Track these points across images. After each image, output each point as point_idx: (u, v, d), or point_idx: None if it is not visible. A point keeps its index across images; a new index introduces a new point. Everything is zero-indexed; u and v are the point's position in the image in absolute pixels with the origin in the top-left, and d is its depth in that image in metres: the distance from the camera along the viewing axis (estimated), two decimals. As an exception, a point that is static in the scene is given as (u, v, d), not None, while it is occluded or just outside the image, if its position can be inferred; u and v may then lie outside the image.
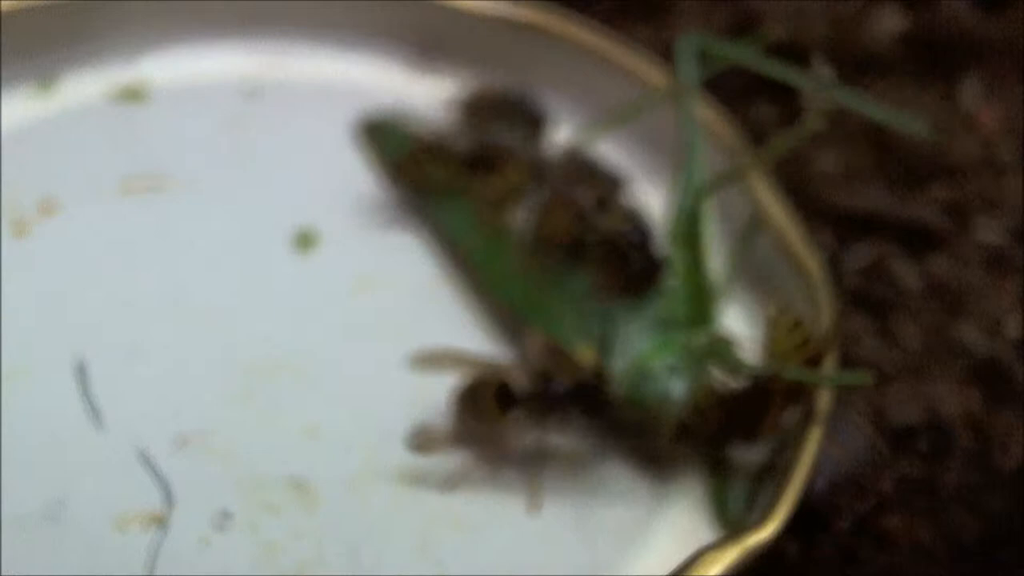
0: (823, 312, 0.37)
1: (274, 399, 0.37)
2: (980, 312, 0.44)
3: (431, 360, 0.37)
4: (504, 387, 0.35)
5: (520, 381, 0.35)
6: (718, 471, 0.36)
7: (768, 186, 0.41)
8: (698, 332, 0.37)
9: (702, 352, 0.36)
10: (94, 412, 0.36)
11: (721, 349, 0.36)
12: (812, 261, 0.38)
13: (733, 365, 0.35)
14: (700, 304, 0.37)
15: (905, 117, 0.38)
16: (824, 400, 0.35)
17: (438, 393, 0.38)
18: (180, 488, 0.35)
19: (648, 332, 0.37)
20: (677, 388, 0.35)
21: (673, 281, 0.38)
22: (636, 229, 0.39)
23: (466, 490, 0.36)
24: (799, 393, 0.34)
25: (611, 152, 0.44)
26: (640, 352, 0.36)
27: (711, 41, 0.39)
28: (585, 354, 0.36)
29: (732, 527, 0.35)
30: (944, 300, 0.44)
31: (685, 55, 0.38)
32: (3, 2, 0.44)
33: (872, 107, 0.38)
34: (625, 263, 0.38)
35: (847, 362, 0.42)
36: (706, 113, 0.42)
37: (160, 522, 0.34)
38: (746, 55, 0.40)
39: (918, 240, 0.46)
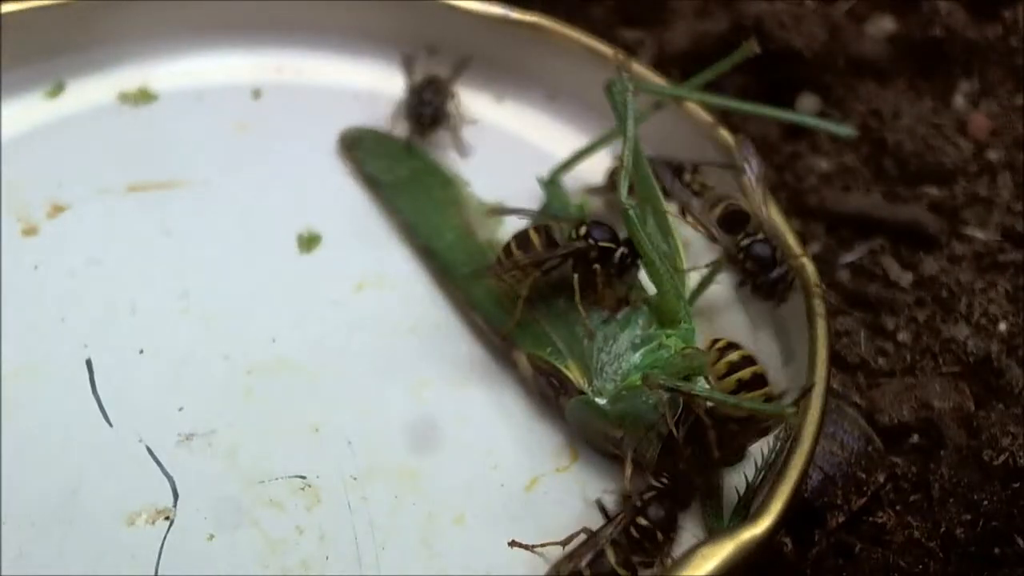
0: (816, 313, 0.37)
1: (278, 398, 0.38)
2: (972, 311, 0.44)
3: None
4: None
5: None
6: (709, 489, 0.35)
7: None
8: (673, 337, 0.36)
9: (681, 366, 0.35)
10: (101, 410, 0.37)
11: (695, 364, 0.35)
12: (807, 260, 0.38)
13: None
14: (672, 309, 0.37)
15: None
16: (818, 399, 0.35)
17: (439, 393, 0.38)
18: (185, 485, 0.35)
19: (635, 345, 0.37)
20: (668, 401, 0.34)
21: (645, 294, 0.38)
22: (593, 226, 0.38)
23: (466, 489, 0.36)
24: (762, 422, 0.33)
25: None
26: (630, 366, 0.36)
27: (638, 82, 0.40)
28: (575, 371, 0.36)
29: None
30: (936, 299, 0.45)
31: (618, 97, 0.38)
32: (11, 5, 0.44)
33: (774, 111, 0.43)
34: (604, 259, 0.37)
35: (840, 361, 0.43)
36: (707, 116, 0.43)
37: (166, 519, 0.35)
38: (675, 91, 0.44)
39: (910, 240, 0.47)
